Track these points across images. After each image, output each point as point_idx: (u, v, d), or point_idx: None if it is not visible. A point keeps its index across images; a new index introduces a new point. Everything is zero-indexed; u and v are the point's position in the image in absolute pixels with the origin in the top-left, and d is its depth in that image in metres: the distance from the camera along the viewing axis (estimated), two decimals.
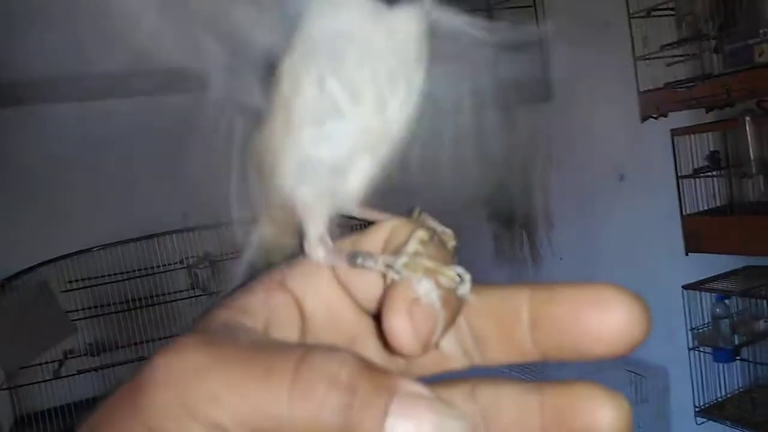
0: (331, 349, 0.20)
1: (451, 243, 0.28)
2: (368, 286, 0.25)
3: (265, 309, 0.24)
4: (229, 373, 0.20)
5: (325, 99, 0.27)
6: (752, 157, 1.73)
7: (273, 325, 0.24)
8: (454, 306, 0.23)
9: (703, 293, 1.97)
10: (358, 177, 0.29)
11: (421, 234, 0.25)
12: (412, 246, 0.25)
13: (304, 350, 0.20)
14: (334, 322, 0.26)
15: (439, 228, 0.28)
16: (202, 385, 0.20)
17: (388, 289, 0.23)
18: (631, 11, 1.97)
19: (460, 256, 0.29)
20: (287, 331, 0.24)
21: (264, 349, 0.21)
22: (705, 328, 1.97)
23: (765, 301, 1.89)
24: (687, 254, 1.95)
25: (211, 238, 2.49)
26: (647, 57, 1.92)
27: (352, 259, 0.26)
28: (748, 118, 1.71)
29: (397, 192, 0.36)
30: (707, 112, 2.05)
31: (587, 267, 2.51)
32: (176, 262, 2.45)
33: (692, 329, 2.00)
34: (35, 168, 2.31)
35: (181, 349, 0.21)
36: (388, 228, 0.27)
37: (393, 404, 0.19)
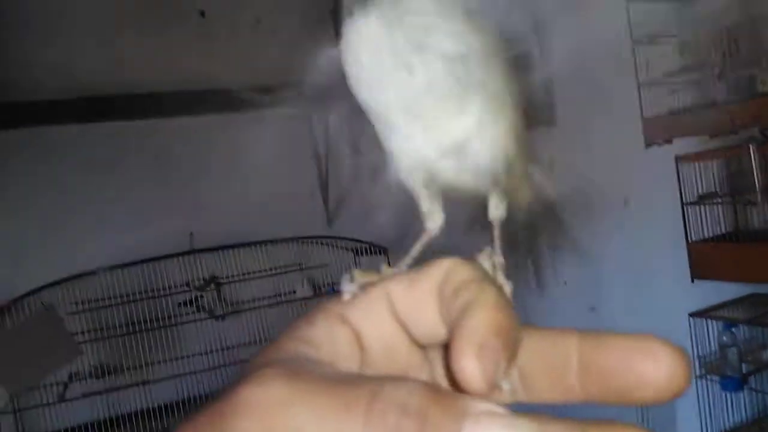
0: (399, 380, 0.22)
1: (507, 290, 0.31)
2: (425, 321, 0.27)
3: (328, 341, 0.26)
4: (311, 406, 0.21)
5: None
6: (757, 185, 1.73)
7: (337, 357, 0.26)
8: (514, 347, 0.24)
9: (709, 321, 1.96)
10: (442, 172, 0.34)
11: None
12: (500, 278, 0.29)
13: (376, 383, 0.21)
14: (389, 354, 0.28)
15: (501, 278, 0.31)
16: (287, 417, 0.21)
17: (457, 330, 0.24)
18: (634, 37, 1.98)
19: None
20: (349, 362, 0.26)
21: (340, 382, 0.22)
22: (712, 357, 1.95)
23: None
24: (693, 281, 1.95)
25: (217, 260, 2.50)
26: (651, 83, 1.93)
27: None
28: (752, 146, 1.72)
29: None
30: (711, 139, 2.06)
31: (592, 292, 2.50)
32: (181, 285, 2.45)
33: (699, 357, 1.98)
34: (40, 189, 2.33)
35: (265, 381, 0.23)
36: (446, 265, 0.28)
37: (465, 426, 0.20)
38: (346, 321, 0.27)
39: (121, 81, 2.38)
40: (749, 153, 1.72)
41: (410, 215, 0.41)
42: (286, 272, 2.62)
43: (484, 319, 0.23)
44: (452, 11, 0.31)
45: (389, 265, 0.34)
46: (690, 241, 1.94)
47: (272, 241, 2.58)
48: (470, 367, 0.22)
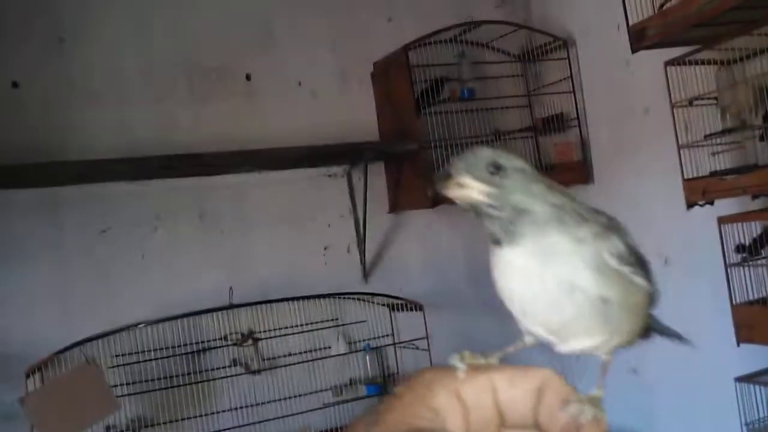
0: None
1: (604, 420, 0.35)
2: (519, 412, 0.34)
3: (450, 413, 0.32)
4: None
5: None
6: None
7: (454, 427, 0.32)
8: None
9: (756, 386, 1.91)
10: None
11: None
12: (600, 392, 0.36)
13: None
14: (481, 419, 0.34)
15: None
16: None
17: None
18: (673, 100, 2.00)
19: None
20: (460, 429, 0.33)
21: None
22: (759, 423, 1.89)
23: None
24: (738, 344, 1.90)
25: (254, 315, 2.52)
26: (692, 145, 1.95)
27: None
28: None
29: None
30: (753, 200, 2.05)
31: (632, 354, 2.45)
32: (219, 338, 2.48)
33: (747, 424, 1.92)
34: (86, 244, 2.41)
35: None
36: (544, 374, 0.35)
37: None
38: (460, 397, 0.33)
39: (170, 141, 2.47)
40: None
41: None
42: (321, 328, 2.63)
43: None
44: (579, 249, 0.37)
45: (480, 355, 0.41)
46: (734, 303, 1.91)
47: (308, 297, 2.60)
48: None
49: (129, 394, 2.30)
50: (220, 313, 2.49)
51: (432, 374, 0.35)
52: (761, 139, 1.81)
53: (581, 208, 0.38)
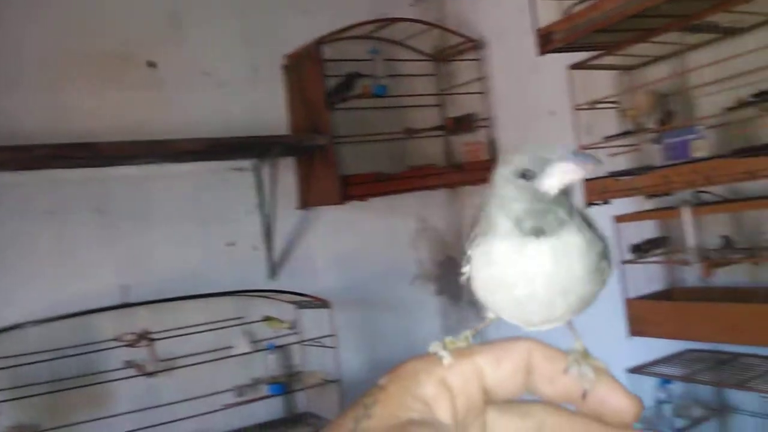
0: None
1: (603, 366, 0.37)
2: (508, 391, 0.35)
3: (438, 402, 0.33)
4: None
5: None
6: (691, 245, 1.80)
7: (443, 415, 0.33)
8: None
9: (646, 377, 1.99)
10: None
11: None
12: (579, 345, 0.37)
13: None
14: (468, 411, 0.34)
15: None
16: None
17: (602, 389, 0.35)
18: (576, 103, 2.07)
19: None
20: (448, 419, 0.33)
21: None
22: (648, 412, 1.98)
23: (711, 386, 1.92)
24: (629, 337, 1.99)
25: (152, 315, 2.40)
26: (592, 147, 2.01)
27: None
28: (687, 207, 1.79)
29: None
30: (648, 199, 2.15)
31: None
32: (113, 339, 2.34)
33: None
34: None
35: None
36: (527, 346, 0.35)
37: None
38: (447, 384, 0.34)
39: (65, 129, 2.31)
40: (683, 214, 1.80)
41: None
42: (224, 327, 2.54)
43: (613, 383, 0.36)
44: (590, 249, 0.38)
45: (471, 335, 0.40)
46: (627, 298, 1.99)
47: (210, 295, 2.50)
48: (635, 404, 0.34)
49: (10, 399, 2.12)
50: (115, 312, 2.35)
51: (416, 364, 0.35)
52: (656, 142, 1.90)
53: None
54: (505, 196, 0.38)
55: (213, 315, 2.53)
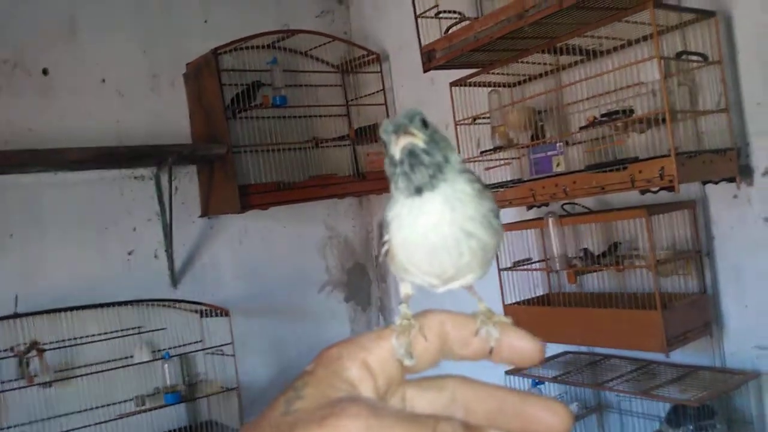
0: (447, 418, 0.32)
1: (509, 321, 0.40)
2: (427, 361, 0.38)
3: (362, 383, 0.35)
4: None
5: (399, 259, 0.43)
6: (556, 253, 1.92)
7: (368, 394, 0.35)
8: None
9: (523, 378, 2.11)
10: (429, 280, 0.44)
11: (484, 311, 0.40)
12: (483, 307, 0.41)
13: (433, 419, 0.31)
14: (387, 385, 0.37)
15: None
16: None
17: (506, 335, 0.39)
18: (457, 119, 2.17)
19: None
20: (372, 394, 0.35)
21: (408, 417, 0.32)
22: None
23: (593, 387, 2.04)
24: None
25: (49, 324, 2.38)
26: (470, 160, 2.11)
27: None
28: (551, 219, 1.91)
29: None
30: (528, 210, 2.27)
31: None
32: (5, 350, 2.31)
33: None
34: None
35: (354, 414, 0.31)
36: (439, 318, 0.39)
37: None
38: (369, 366, 0.36)
39: None
40: (548, 225, 1.91)
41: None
42: (122, 336, 2.53)
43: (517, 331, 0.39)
44: (481, 200, 0.41)
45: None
46: (505, 303, 2.10)
47: (108, 305, 2.49)
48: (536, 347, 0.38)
49: None
50: (7, 322, 2.32)
51: (340, 349, 0.36)
52: (528, 156, 2.01)
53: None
54: (386, 164, 0.42)
55: (112, 324, 2.52)
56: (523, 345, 0.39)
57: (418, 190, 0.40)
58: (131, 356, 2.54)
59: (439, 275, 0.42)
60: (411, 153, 0.40)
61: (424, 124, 0.41)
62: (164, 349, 2.60)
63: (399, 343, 0.37)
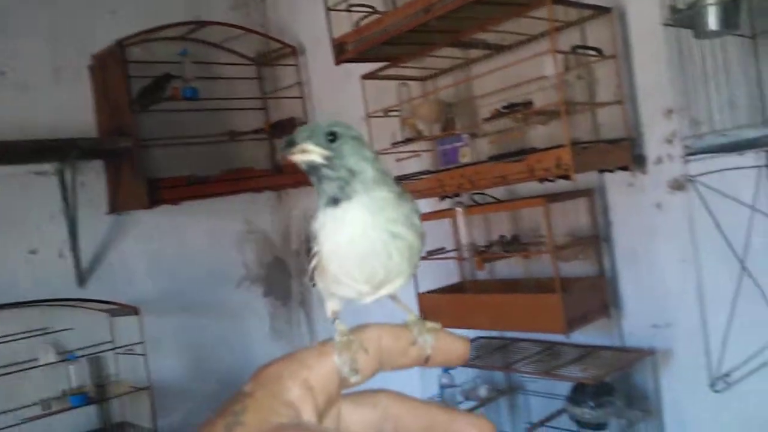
0: None
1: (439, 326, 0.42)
2: (366, 373, 0.38)
3: (303, 404, 0.34)
4: None
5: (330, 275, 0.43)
6: (464, 243, 1.97)
7: (308, 416, 0.35)
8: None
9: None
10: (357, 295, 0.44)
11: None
12: (411, 317, 0.42)
13: None
14: (328, 402, 0.37)
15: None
16: None
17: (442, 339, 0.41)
18: (369, 111, 2.19)
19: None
20: (313, 416, 0.35)
21: None
22: (436, 397, 2.14)
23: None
24: None
25: None
26: (383, 152, 2.14)
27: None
28: (459, 209, 1.96)
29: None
30: (440, 201, 2.32)
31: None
32: None
33: (428, 398, 2.16)
34: None
35: None
36: (375, 333, 0.39)
37: None
38: (310, 386, 0.35)
39: None
40: (457, 214, 1.96)
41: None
42: (28, 337, 2.42)
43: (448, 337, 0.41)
44: (401, 201, 0.42)
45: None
46: (419, 292, 2.14)
47: (12, 305, 2.38)
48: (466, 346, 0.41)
49: None
50: None
51: (280, 368, 0.35)
52: (437, 148, 2.05)
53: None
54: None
55: (16, 326, 2.41)
56: (454, 348, 0.40)
57: (335, 201, 0.41)
58: (36, 359, 2.43)
59: (371, 280, 0.42)
60: (312, 168, 0.41)
61: (332, 136, 0.41)
62: (72, 351, 2.51)
63: (342, 360, 0.37)
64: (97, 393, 2.51)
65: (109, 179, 2.69)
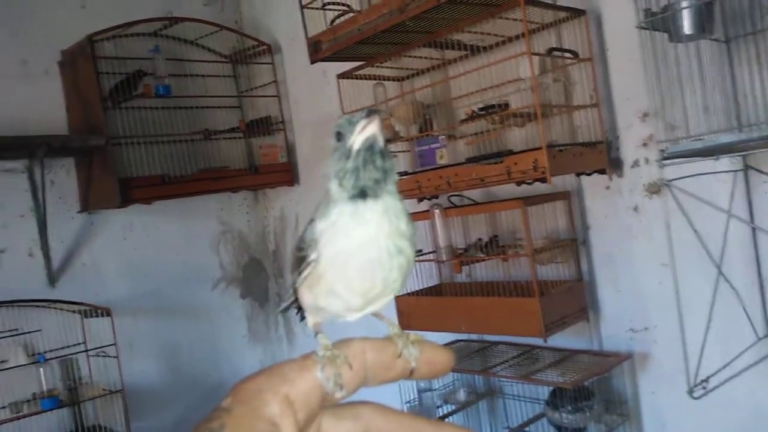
0: None
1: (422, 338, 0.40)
2: (350, 388, 0.37)
3: (285, 419, 0.34)
4: None
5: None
6: (442, 244, 1.95)
7: (291, 427, 0.34)
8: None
9: None
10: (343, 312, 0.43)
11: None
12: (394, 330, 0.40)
13: None
14: (307, 414, 0.36)
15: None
16: None
17: (428, 351, 0.40)
18: (345, 111, 2.16)
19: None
20: (293, 431, 0.34)
21: None
22: (413, 402, 2.12)
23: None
24: None
25: None
26: None
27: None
28: (437, 210, 1.94)
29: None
30: (419, 202, 2.29)
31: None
32: None
33: (406, 403, 2.14)
34: None
35: None
36: (359, 347, 0.38)
37: None
38: (290, 401, 0.34)
39: None
40: (434, 216, 1.94)
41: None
42: None
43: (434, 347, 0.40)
44: (408, 218, 0.41)
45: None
46: (396, 295, 2.12)
47: None
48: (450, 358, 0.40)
49: None
50: None
51: (259, 383, 0.35)
52: (414, 149, 2.03)
53: None
54: (331, 163, 0.40)
55: None
56: (439, 359, 0.39)
57: (362, 194, 0.39)
58: (6, 360, 2.38)
59: (367, 294, 0.40)
60: (370, 148, 0.39)
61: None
62: (43, 352, 2.45)
63: (326, 375, 0.36)
64: (68, 396, 2.46)
65: (80, 177, 2.63)
